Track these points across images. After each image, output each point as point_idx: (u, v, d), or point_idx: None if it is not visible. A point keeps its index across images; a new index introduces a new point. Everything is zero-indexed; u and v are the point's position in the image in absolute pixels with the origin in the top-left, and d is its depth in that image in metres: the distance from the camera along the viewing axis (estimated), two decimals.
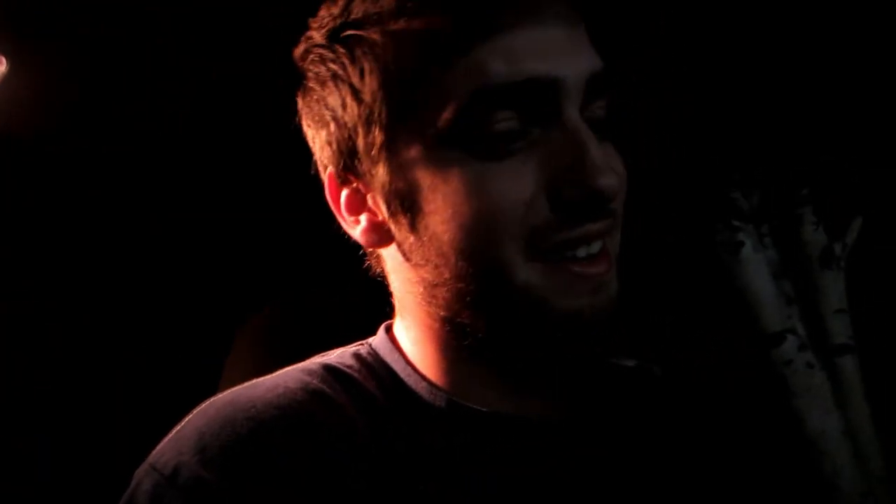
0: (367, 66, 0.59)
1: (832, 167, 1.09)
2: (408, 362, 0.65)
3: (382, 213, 0.62)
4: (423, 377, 0.64)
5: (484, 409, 0.61)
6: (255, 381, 0.64)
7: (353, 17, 0.60)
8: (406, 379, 0.64)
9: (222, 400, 0.61)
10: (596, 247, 0.57)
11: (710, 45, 1.09)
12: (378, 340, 0.69)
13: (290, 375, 0.64)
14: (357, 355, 0.67)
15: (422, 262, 0.60)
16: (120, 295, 1.78)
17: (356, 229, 0.65)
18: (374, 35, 0.58)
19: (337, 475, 0.57)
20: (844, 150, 1.10)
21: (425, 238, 0.59)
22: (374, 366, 0.66)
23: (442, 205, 0.57)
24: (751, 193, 1.10)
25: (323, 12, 0.63)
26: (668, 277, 1.14)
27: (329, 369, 0.64)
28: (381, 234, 0.64)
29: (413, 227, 0.60)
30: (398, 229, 0.62)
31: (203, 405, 0.61)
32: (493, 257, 0.56)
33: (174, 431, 0.60)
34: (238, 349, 1.31)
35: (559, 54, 0.55)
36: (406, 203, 0.60)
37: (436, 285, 0.60)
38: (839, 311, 1.08)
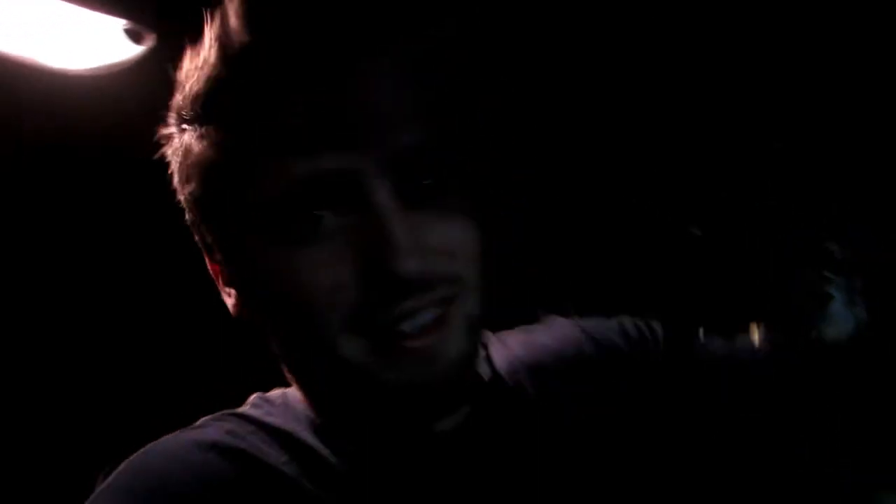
0: (189, 162, 0.62)
1: None
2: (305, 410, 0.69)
3: (227, 281, 0.67)
4: (318, 426, 0.67)
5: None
6: (173, 434, 0.66)
7: (180, 109, 0.63)
8: (297, 427, 0.67)
9: (142, 451, 0.63)
10: (424, 318, 0.58)
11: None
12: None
13: (190, 436, 0.67)
14: (265, 398, 0.71)
15: (271, 338, 0.65)
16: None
17: (229, 302, 0.69)
18: (190, 134, 0.62)
19: None
20: None
21: (261, 317, 0.64)
22: (280, 408, 0.69)
23: (267, 289, 0.61)
24: (847, 243, 1.05)
25: (176, 95, 0.64)
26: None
27: (239, 415, 0.68)
28: (237, 307, 0.68)
29: (251, 308, 0.64)
30: (246, 308, 0.66)
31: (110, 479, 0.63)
32: (315, 338, 0.59)
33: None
34: None
35: (357, 142, 0.56)
36: (242, 286, 0.64)
37: (281, 360, 0.66)
38: None
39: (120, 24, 1.04)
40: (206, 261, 0.70)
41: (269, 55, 0.55)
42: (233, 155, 0.60)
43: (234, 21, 0.55)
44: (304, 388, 0.67)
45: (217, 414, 0.71)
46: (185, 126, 0.63)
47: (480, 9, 0.97)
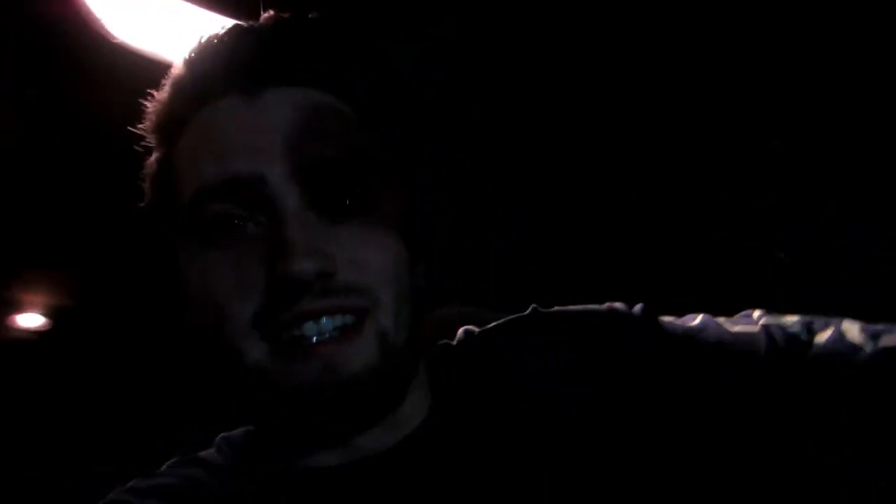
0: (146, 174, 0.68)
1: None
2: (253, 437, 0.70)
3: None
4: (264, 446, 0.68)
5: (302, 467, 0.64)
6: (135, 480, 0.68)
7: (148, 120, 0.68)
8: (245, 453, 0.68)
9: (105, 500, 0.65)
10: (326, 325, 0.58)
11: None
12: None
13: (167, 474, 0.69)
14: (227, 438, 0.72)
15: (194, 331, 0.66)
16: None
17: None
18: (151, 153, 0.67)
19: None
20: None
21: (187, 322, 0.65)
22: (239, 444, 0.70)
23: (186, 290, 0.63)
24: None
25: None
26: None
27: (199, 460, 0.69)
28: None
29: (185, 314, 0.65)
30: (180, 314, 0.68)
31: None
32: (223, 341, 0.59)
33: None
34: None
35: (264, 152, 0.59)
36: (173, 290, 0.66)
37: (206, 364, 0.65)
38: None
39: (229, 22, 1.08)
40: None
41: (195, 84, 0.64)
42: (164, 164, 0.66)
43: (179, 64, 0.66)
44: (226, 390, 0.68)
45: (178, 459, 0.72)
46: (149, 147, 0.69)
47: (479, 8, 0.97)
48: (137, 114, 0.73)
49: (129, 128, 0.71)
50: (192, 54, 0.65)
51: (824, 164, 1.09)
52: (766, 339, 0.68)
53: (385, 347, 0.60)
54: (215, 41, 0.64)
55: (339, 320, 0.58)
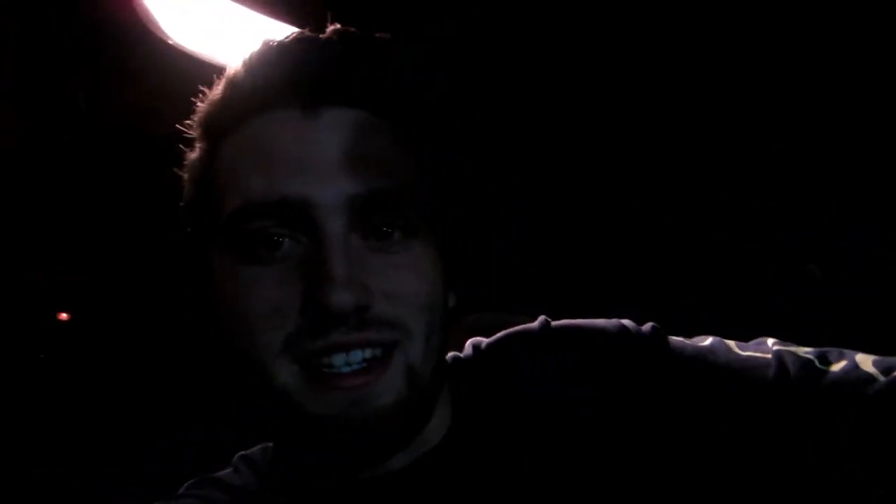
0: (188, 172, 0.67)
1: None
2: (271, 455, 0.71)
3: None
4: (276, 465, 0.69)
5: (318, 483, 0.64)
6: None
7: (191, 127, 0.67)
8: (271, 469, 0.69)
9: None
10: (356, 357, 0.58)
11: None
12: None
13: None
14: (244, 458, 0.73)
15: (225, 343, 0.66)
16: None
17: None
18: (194, 149, 0.67)
19: None
20: None
21: (217, 332, 0.65)
22: (257, 463, 0.71)
23: (220, 304, 0.62)
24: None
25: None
26: None
27: (216, 481, 0.70)
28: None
29: (217, 325, 0.65)
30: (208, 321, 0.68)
31: None
32: (254, 358, 0.59)
33: None
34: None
35: (316, 175, 0.58)
36: (204, 298, 0.66)
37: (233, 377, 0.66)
38: None
39: (290, 31, 1.08)
40: None
41: (254, 88, 0.62)
42: (206, 164, 0.65)
43: (238, 64, 0.64)
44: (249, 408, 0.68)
45: (196, 480, 0.72)
46: (192, 142, 0.68)
47: (481, 12, 0.97)
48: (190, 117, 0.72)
49: (179, 128, 0.70)
50: (254, 57, 0.62)
51: (825, 165, 1.09)
52: (776, 366, 0.66)
53: (413, 380, 0.60)
54: (279, 48, 0.62)
55: (368, 353, 0.58)
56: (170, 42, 1.11)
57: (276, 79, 0.61)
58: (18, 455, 2.22)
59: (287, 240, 0.59)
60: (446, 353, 0.68)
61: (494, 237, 1.29)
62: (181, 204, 0.69)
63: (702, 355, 0.71)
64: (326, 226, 0.58)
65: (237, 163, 0.61)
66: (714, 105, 1.10)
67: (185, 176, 0.68)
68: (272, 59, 0.62)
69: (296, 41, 0.62)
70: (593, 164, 1.19)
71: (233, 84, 0.63)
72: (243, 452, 0.72)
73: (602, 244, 1.24)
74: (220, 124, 0.63)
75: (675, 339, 0.72)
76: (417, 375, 0.60)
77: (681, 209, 1.14)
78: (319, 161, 0.59)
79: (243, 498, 0.66)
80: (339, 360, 0.57)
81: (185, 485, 0.70)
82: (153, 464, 2.30)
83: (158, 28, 1.09)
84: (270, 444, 0.72)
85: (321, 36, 0.62)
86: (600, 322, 0.75)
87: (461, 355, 0.74)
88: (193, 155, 0.67)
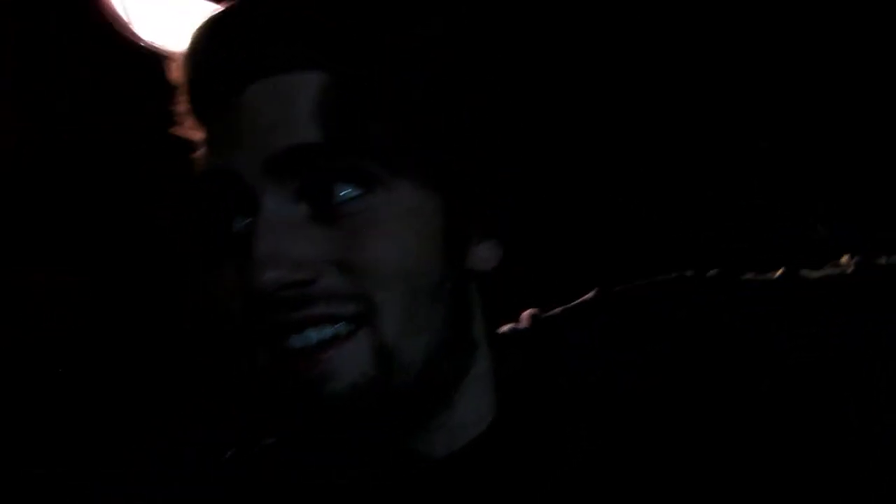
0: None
1: None
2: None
3: None
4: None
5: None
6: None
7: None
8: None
9: None
10: (312, 336, 0.54)
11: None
12: None
13: None
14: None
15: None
16: None
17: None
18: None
19: None
20: None
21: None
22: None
23: (194, 297, 0.62)
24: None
25: None
26: None
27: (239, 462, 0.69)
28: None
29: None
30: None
31: None
32: (229, 344, 0.58)
33: None
34: None
35: (240, 143, 0.55)
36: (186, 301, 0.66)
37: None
38: None
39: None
40: None
41: (192, 89, 0.60)
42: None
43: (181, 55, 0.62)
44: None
45: (236, 451, 0.71)
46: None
47: (467, 8, 0.98)
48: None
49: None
50: (187, 52, 0.59)
51: (812, 164, 1.09)
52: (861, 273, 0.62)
53: (386, 360, 0.55)
54: (202, 34, 0.58)
55: (328, 331, 0.54)
56: (142, 42, 1.11)
57: (204, 70, 0.58)
58: (18, 455, 2.24)
59: (230, 212, 0.56)
60: (475, 325, 0.62)
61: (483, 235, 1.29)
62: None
63: (775, 285, 0.64)
64: (258, 198, 0.54)
65: (199, 151, 0.59)
66: (700, 104, 1.11)
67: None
68: (199, 50, 0.59)
69: (220, 21, 0.58)
70: (579, 163, 1.20)
71: (179, 89, 0.60)
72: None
73: (588, 243, 1.24)
74: (194, 128, 0.60)
75: (746, 276, 0.66)
76: (394, 355, 0.55)
77: (667, 208, 1.14)
78: (243, 131, 0.55)
79: (272, 487, 0.66)
80: (294, 341, 0.54)
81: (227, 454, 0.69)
82: (153, 464, 2.31)
83: (129, 28, 1.08)
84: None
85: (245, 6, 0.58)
86: (659, 281, 0.69)
87: (519, 328, 0.67)
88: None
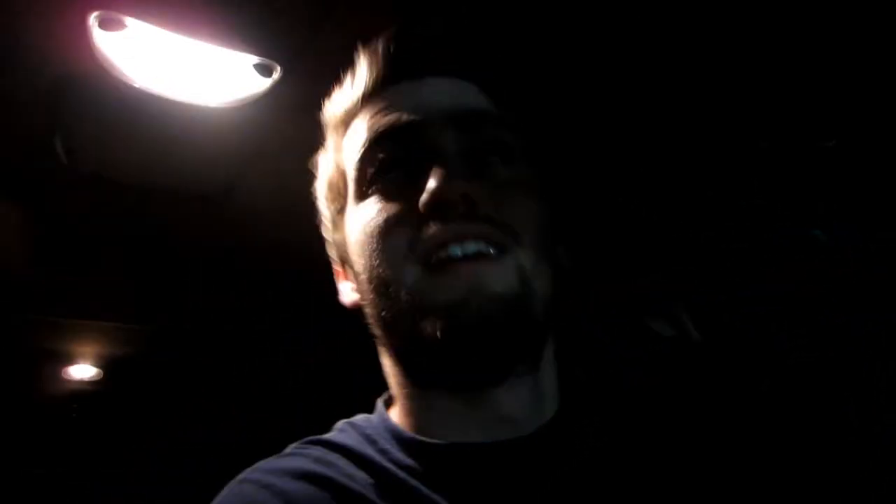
0: (325, 171, 0.79)
1: None
2: (389, 420, 0.73)
3: (344, 272, 0.77)
4: (399, 429, 0.71)
5: (442, 442, 0.67)
6: (264, 461, 0.72)
7: (325, 133, 0.80)
8: (385, 433, 0.72)
9: (239, 480, 0.69)
10: (471, 247, 0.64)
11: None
12: (376, 411, 0.78)
13: (295, 452, 0.73)
14: (350, 423, 0.76)
15: (362, 298, 0.72)
16: None
17: (344, 295, 0.79)
18: (329, 148, 0.79)
19: None
20: None
21: (354, 272, 0.72)
22: (363, 427, 0.73)
23: (354, 240, 0.72)
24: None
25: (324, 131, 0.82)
26: None
27: (324, 442, 0.73)
28: (348, 292, 0.78)
29: (350, 269, 0.73)
30: (348, 279, 0.76)
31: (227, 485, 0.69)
32: (385, 269, 0.67)
33: None
34: None
35: (425, 107, 0.70)
36: (346, 253, 0.74)
37: (368, 313, 0.71)
38: None
39: (250, 60, 1.17)
40: (335, 274, 0.81)
41: (368, 78, 0.75)
42: (340, 150, 0.76)
43: (358, 62, 0.77)
44: (383, 334, 0.71)
45: (303, 441, 0.75)
46: (329, 143, 0.80)
47: (467, 9, 0.99)
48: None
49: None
50: (366, 53, 0.75)
51: (811, 164, 1.09)
52: None
53: (524, 280, 0.65)
54: (384, 41, 0.74)
55: (482, 245, 0.64)
56: (136, 86, 1.17)
57: (385, 64, 0.73)
58: (18, 455, 2.24)
59: (405, 160, 0.68)
60: (557, 309, 0.72)
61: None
62: (315, 199, 0.80)
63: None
64: (437, 140, 0.67)
65: (363, 128, 0.72)
66: (700, 104, 1.11)
67: (317, 172, 0.80)
68: (380, 51, 0.74)
69: (392, 36, 0.74)
70: (578, 163, 1.20)
71: (353, 79, 0.75)
72: (346, 420, 0.76)
73: (587, 243, 1.24)
74: (348, 110, 0.75)
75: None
76: (528, 278, 0.65)
77: (667, 208, 1.14)
78: (426, 100, 0.70)
79: (351, 455, 0.69)
80: (455, 249, 0.63)
81: (290, 446, 0.74)
82: (153, 464, 2.32)
83: (121, 73, 1.14)
84: (369, 415, 0.75)
85: (406, 30, 0.75)
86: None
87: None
88: (323, 152, 0.79)
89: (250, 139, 1.37)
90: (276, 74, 1.19)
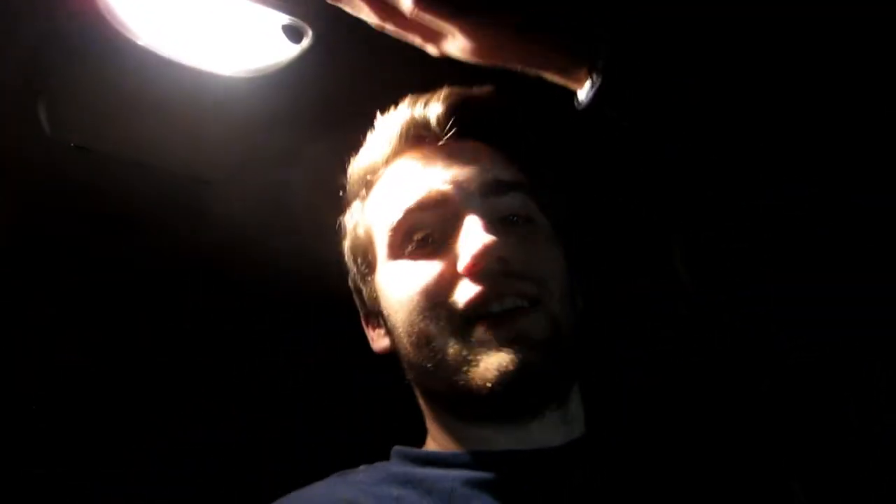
0: (356, 232, 0.85)
1: None
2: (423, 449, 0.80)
3: (376, 322, 0.84)
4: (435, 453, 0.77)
5: (485, 451, 0.73)
6: (305, 488, 0.77)
7: (352, 190, 0.88)
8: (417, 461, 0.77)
9: None
10: (509, 303, 0.71)
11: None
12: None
13: (333, 481, 0.78)
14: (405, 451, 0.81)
15: (397, 347, 0.79)
16: None
17: (374, 342, 0.85)
18: (357, 208, 0.86)
19: None
20: None
21: (389, 326, 0.78)
22: (402, 456, 0.79)
23: (392, 298, 0.76)
24: None
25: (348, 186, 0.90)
26: None
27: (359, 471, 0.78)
28: (380, 339, 0.83)
29: (385, 322, 0.79)
30: (383, 329, 0.82)
31: None
32: (428, 325, 0.72)
33: None
34: None
35: (454, 175, 0.76)
36: (378, 307, 0.80)
37: (406, 361, 0.77)
38: None
39: (279, 21, 1.00)
40: (362, 322, 0.87)
41: (395, 139, 0.82)
42: (366, 210, 0.82)
43: (379, 124, 0.84)
44: (423, 381, 0.77)
45: (364, 466, 0.80)
46: (355, 203, 0.86)
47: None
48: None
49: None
50: (390, 115, 0.82)
51: (809, 164, 1.09)
52: None
53: (557, 327, 0.72)
54: (413, 104, 0.81)
55: (518, 301, 0.71)
56: (139, 43, 1.02)
57: (411, 128, 0.80)
58: (18, 455, 2.24)
59: (438, 228, 0.74)
60: (581, 341, 0.78)
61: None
62: (352, 261, 0.85)
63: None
64: (468, 206, 0.74)
65: (392, 189, 0.78)
66: (699, 104, 1.11)
67: (344, 231, 0.86)
68: (398, 116, 0.80)
69: (417, 100, 0.80)
70: (576, 163, 1.20)
71: (373, 144, 0.82)
72: (402, 448, 0.81)
73: (587, 243, 1.24)
74: (373, 170, 0.81)
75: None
76: (560, 325, 0.72)
77: (665, 208, 1.14)
78: (455, 167, 0.76)
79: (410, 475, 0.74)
80: (495, 306, 0.70)
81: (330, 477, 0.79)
82: (153, 464, 2.31)
83: (123, 27, 0.99)
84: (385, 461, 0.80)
85: (434, 93, 0.80)
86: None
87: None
88: (349, 213, 0.84)
89: (261, 119, 1.21)
90: (306, 41, 1.02)
